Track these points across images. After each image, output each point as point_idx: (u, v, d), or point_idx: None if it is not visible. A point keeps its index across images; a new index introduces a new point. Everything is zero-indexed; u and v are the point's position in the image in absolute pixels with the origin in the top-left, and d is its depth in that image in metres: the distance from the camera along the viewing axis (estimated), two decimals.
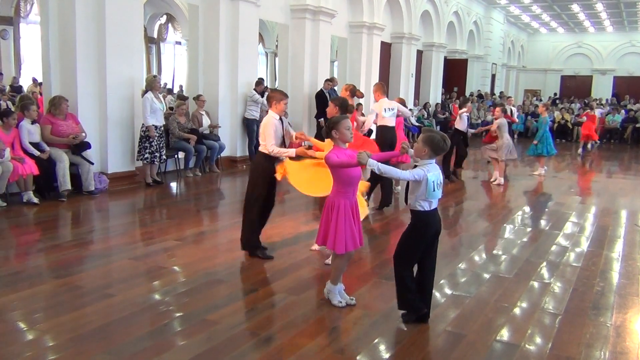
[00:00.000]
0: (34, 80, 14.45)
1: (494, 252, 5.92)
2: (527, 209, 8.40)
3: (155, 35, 20.67)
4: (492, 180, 10.16)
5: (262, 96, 11.10)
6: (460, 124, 10.22)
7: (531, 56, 32.90)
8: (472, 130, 10.47)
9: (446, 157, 9.78)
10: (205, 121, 10.31)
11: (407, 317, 3.93)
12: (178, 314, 3.97)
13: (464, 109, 10.18)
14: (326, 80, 12.97)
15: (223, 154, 10.67)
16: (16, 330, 3.69)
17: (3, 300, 4.07)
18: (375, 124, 7.93)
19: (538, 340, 3.78)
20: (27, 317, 3.85)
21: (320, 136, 9.23)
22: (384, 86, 8.14)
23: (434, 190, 3.68)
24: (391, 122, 7.78)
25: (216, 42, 10.54)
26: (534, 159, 12.28)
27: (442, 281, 4.87)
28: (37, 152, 7.34)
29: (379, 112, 7.77)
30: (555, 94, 29.84)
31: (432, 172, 3.66)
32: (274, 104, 5.27)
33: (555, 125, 20.46)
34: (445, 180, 9.60)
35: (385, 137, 7.64)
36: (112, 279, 4.74)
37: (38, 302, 4.11)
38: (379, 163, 3.62)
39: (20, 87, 14.86)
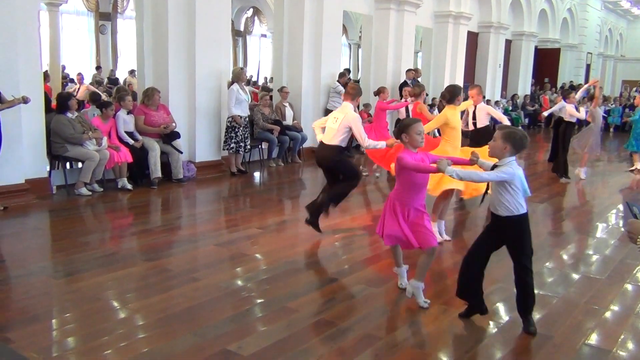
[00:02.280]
0: (133, 72, 15.24)
1: (585, 251, 5.63)
2: (622, 207, 7.91)
3: (242, 28, 21.19)
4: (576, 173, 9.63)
5: (345, 88, 11.10)
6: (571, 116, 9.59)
7: (631, 44, 30.84)
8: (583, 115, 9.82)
9: (563, 153, 9.34)
10: (289, 113, 10.46)
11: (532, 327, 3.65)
12: (259, 300, 4.07)
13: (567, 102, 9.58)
14: (408, 70, 12.80)
15: (305, 145, 10.79)
16: (110, 308, 3.92)
17: (99, 280, 4.34)
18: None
19: (631, 346, 3.56)
20: (120, 297, 4.08)
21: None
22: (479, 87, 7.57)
23: (525, 187, 3.45)
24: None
25: (300, 34, 10.65)
26: (629, 153, 11.52)
27: None
28: (131, 141, 7.74)
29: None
30: None
31: (515, 169, 3.42)
32: (357, 98, 5.33)
33: None
34: (563, 179, 9.27)
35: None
36: (198, 263, 4.93)
37: (130, 283, 4.35)
38: (458, 169, 3.44)
39: (117, 79, 15.71)
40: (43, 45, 8.59)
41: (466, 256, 3.72)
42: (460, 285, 3.73)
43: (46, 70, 13.23)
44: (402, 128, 3.92)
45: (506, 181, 3.40)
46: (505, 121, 6.96)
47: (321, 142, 5.63)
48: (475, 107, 7.03)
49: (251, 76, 18.49)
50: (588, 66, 25.40)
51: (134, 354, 3.20)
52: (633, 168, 10.79)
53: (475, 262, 3.66)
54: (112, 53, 17.77)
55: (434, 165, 3.50)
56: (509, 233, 3.54)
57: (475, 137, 7.03)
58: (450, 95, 5.57)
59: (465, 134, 6.75)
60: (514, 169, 3.40)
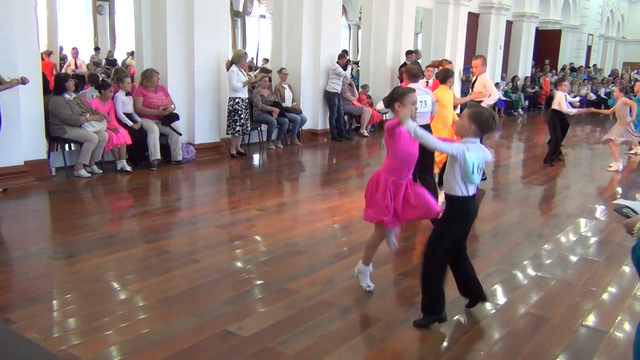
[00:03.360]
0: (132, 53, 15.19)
1: (583, 234, 5.65)
2: (620, 190, 7.93)
3: (240, 9, 21.01)
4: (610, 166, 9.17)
5: (345, 69, 11.05)
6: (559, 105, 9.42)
7: (632, 26, 30.59)
8: (574, 111, 9.64)
9: (557, 140, 9.22)
10: (288, 94, 10.42)
11: (425, 321, 3.43)
12: (259, 282, 4.09)
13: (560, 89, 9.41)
14: (409, 52, 12.73)
15: (304, 127, 10.77)
16: (110, 289, 3.94)
17: (99, 261, 4.35)
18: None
19: (628, 327, 3.59)
20: (120, 278, 4.10)
21: None
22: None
23: (472, 173, 3.18)
24: None
25: (300, 15, 10.56)
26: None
27: (525, 262, 4.72)
28: (130, 123, 7.72)
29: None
30: None
31: (472, 152, 3.19)
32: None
33: None
34: (545, 165, 9.13)
35: None
36: (198, 245, 4.95)
37: (130, 265, 4.37)
38: (418, 127, 3.23)
39: (115, 60, 15.63)
40: (40, 26, 8.52)
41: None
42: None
43: (51, 51, 13.19)
44: (396, 97, 3.71)
45: (455, 159, 3.24)
46: (494, 97, 7.12)
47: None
48: (476, 77, 7.15)
49: (252, 59, 18.32)
50: (589, 48, 25.26)
51: (135, 334, 3.23)
52: (633, 152, 10.75)
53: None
54: (110, 34, 17.66)
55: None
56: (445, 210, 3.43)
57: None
58: (443, 76, 6.27)
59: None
60: (465, 149, 3.20)
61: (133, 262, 4.42)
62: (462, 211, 3.35)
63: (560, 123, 9.19)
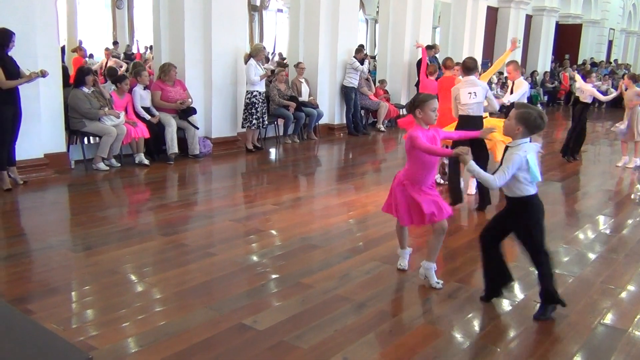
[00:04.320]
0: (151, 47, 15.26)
1: (602, 231, 5.58)
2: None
3: (257, 3, 21.01)
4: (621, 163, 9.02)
5: (362, 64, 11.02)
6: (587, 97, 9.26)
7: None
8: (610, 97, 9.62)
9: (578, 135, 9.11)
10: (305, 89, 10.41)
11: (548, 311, 3.55)
12: (274, 276, 4.10)
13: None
14: (427, 48, 12.63)
15: (321, 122, 10.76)
16: (128, 282, 3.98)
17: (117, 254, 4.40)
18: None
19: None
20: (138, 271, 4.14)
21: None
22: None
23: (535, 172, 3.31)
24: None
25: (317, 9, 10.54)
26: None
27: None
28: (148, 117, 7.77)
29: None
30: None
31: (530, 152, 3.29)
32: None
33: None
34: (564, 159, 9.08)
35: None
36: (214, 238, 4.98)
37: (147, 257, 4.41)
38: (479, 169, 3.37)
39: (133, 54, 15.73)
40: (60, 20, 8.60)
41: (481, 234, 3.71)
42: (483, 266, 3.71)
43: (79, 46, 13.29)
44: (418, 103, 3.76)
45: (521, 170, 3.30)
46: (500, 101, 7.16)
47: (471, 117, 5.82)
48: (513, 82, 7.17)
49: (268, 52, 18.32)
50: (610, 42, 24.89)
51: (151, 326, 3.26)
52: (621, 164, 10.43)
53: (487, 240, 3.64)
54: (128, 28, 17.77)
55: (451, 151, 3.47)
56: (517, 214, 3.49)
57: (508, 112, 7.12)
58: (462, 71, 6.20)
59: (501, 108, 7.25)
60: (523, 154, 3.27)
61: (150, 255, 4.46)
62: (538, 205, 3.45)
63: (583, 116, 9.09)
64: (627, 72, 16.26)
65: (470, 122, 5.72)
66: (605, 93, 12.12)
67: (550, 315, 3.53)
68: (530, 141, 3.41)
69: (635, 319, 3.61)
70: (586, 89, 8.97)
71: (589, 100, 9.15)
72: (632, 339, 3.36)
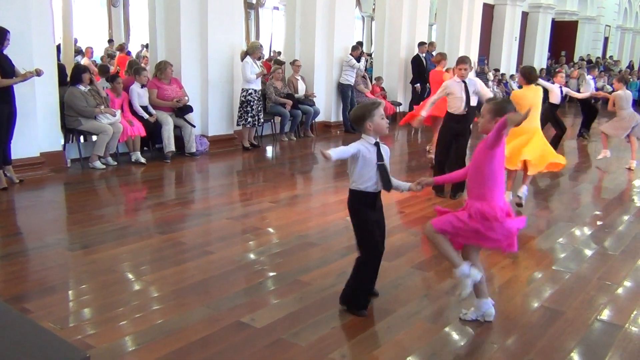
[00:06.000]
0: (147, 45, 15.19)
1: (599, 227, 5.59)
2: (637, 182, 7.83)
3: (254, 1, 20.96)
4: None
5: (359, 61, 11.01)
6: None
7: None
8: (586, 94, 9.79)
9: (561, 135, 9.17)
10: (301, 86, 10.40)
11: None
12: (272, 274, 4.10)
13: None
14: (421, 44, 12.65)
15: (318, 119, 10.76)
16: (125, 280, 3.98)
17: (114, 252, 4.39)
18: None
19: None
20: (135, 269, 4.14)
21: (415, 102, 9.05)
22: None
23: None
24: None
25: (313, 7, 10.53)
26: None
27: (540, 255, 4.69)
28: (146, 115, 7.75)
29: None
30: None
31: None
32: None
33: None
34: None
35: None
36: (212, 237, 4.98)
37: (144, 256, 4.40)
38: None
39: (129, 52, 15.66)
40: (55, 18, 8.57)
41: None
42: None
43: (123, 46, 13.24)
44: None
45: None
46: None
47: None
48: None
49: (274, 51, 18.26)
50: (606, 39, 24.94)
51: (149, 325, 3.25)
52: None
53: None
54: (124, 26, 17.71)
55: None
56: None
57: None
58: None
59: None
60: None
61: (147, 253, 4.45)
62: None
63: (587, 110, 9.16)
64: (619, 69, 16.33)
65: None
66: (601, 89, 12.18)
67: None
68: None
69: (632, 315, 3.62)
70: (551, 90, 9.04)
71: (556, 101, 9.23)
72: (628, 334, 3.38)
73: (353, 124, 3.49)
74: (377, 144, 3.34)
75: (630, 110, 8.78)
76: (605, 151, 9.03)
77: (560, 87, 9.26)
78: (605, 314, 3.64)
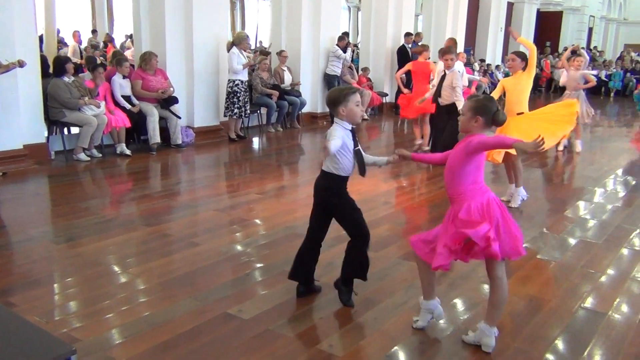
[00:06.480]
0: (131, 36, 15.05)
1: (582, 216, 5.66)
2: (620, 172, 7.92)
3: None
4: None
5: (345, 52, 10.98)
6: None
7: (634, 7, 30.34)
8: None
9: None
10: (287, 77, 10.37)
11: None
12: (259, 265, 4.10)
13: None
14: (407, 35, 12.66)
15: (304, 110, 10.74)
16: (111, 273, 3.95)
17: (99, 245, 4.36)
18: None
19: (626, 309, 3.61)
20: (121, 262, 4.11)
21: (402, 93, 9.08)
22: (455, 42, 8.53)
23: None
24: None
25: None
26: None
27: (524, 245, 4.71)
28: (128, 106, 7.68)
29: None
30: None
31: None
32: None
33: None
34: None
35: None
36: (198, 228, 4.96)
37: (130, 248, 4.38)
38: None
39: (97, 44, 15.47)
40: (38, 9, 8.44)
41: None
42: None
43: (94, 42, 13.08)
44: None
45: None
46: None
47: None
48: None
49: (262, 43, 18.14)
50: (590, 30, 25.12)
51: (135, 317, 3.24)
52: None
53: None
54: (107, 16, 17.50)
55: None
56: None
57: None
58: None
59: None
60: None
61: (133, 246, 4.43)
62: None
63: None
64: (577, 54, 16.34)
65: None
66: None
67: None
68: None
69: (615, 303, 3.68)
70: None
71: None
72: (611, 322, 3.43)
73: (328, 106, 3.44)
74: (352, 130, 3.31)
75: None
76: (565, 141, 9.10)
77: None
78: (589, 302, 3.69)
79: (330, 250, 4.40)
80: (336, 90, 3.37)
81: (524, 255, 3.03)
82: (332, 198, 3.39)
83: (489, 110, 2.92)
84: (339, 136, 3.22)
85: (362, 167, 3.36)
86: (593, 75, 9.43)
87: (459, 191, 2.92)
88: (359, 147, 3.35)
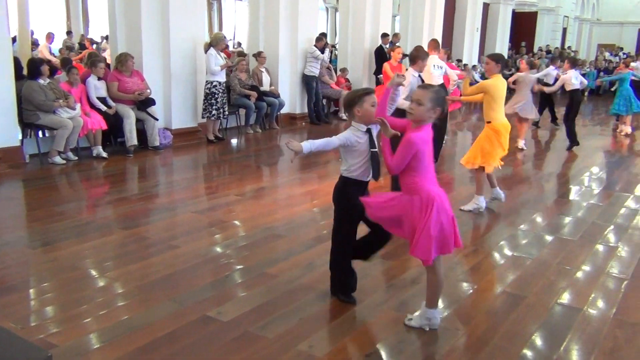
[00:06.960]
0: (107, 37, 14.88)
1: (558, 214, 5.74)
2: (595, 169, 8.06)
3: None
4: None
5: (323, 52, 11.00)
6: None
7: (607, 8, 30.88)
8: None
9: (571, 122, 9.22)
10: (266, 78, 10.34)
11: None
12: (238, 267, 4.09)
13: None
14: (384, 35, 12.74)
15: (282, 111, 10.72)
16: (88, 277, 3.91)
17: (76, 249, 4.31)
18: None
19: (601, 304, 3.68)
20: (98, 265, 4.06)
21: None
22: (437, 42, 8.29)
23: None
24: (439, 80, 7.76)
25: None
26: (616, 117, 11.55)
27: (502, 242, 4.79)
28: (104, 107, 7.59)
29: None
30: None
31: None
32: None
33: None
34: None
35: None
36: (177, 231, 4.93)
37: (108, 252, 4.33)
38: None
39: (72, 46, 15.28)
40: (10, 10, 8.30)
41: None
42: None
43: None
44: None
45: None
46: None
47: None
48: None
49: (238, 43, 18.07)
50: (564, 30, 25.51)
51: (114, 321, 3.21)
52: (622, 131, 10.89)
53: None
54: (82, 17, 17.28)
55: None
56: None
57: None
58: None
59: None
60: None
61: (111, 249, 4.38)
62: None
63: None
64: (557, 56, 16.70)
65: None
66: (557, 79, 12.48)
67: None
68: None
69: (590, 298, 3.74)
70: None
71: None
72: (587, 317, 3.49)
73: (344, 108, 3.52)
74: (368, 131, 3.29)
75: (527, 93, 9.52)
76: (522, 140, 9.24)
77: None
78: (565, 298, 3.75)
79: (309, 250, 4.41)
80: (352, 92, 3.41)
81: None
82: (340, 198, 3.45)
83: (444, 102, 3.06)
84: (340, 137, 3.26)
85: (376, 170, 3.32)
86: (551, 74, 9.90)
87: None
88: (377, 149, 3.28)
